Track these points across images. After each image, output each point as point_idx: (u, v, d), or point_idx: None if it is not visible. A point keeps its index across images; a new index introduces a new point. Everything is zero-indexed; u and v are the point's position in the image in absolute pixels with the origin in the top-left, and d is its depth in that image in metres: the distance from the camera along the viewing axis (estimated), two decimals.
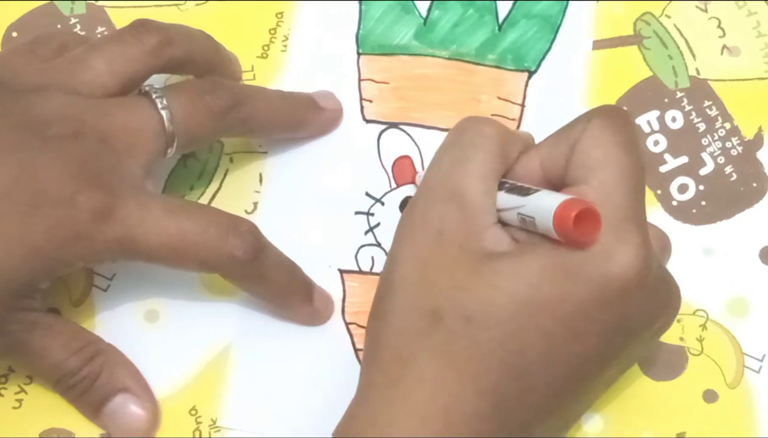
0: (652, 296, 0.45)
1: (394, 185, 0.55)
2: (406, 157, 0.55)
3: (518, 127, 0.56)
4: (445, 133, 0.55)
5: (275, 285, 0.51)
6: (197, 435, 0.51)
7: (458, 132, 0.47)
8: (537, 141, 0.50)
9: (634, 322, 0.44)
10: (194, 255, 0.48)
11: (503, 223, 0.45)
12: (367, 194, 0.55)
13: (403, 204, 0.54)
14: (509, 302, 0.43)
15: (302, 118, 0.55)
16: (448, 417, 0.42)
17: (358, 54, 0.57)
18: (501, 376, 0.43)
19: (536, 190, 0.44)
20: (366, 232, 0.54)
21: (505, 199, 0.45)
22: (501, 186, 0.46)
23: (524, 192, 0.44)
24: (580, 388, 0.45)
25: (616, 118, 0.45)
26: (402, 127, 0.56)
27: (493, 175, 0.46)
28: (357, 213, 0.54)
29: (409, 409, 0.43)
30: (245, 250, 0.48)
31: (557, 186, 0.45)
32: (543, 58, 0.57)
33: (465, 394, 0.43)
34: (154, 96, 0.50)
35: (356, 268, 0.54)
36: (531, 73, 0.57)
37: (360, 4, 0.58)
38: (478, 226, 0.44)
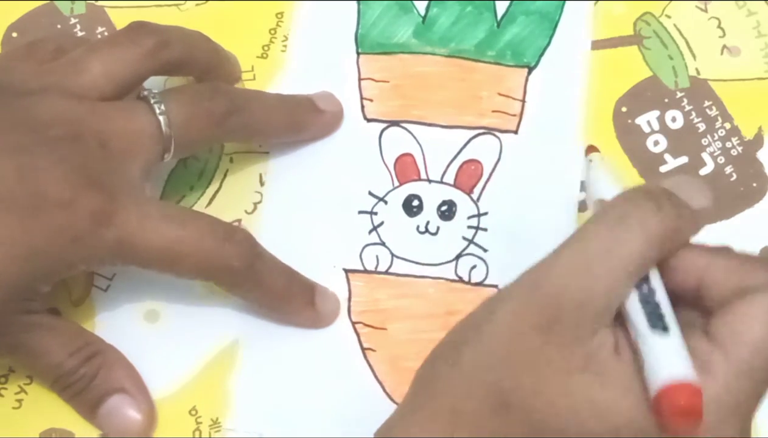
0: None
1: (396, 183, 0.55)
2: (408, 154, 0.55)
3: (519, 122, 0.56)
4: (446, 131, 0.55)
5: (272, 292, 0.51)
6: (197, 435, 0.51)
7: (620, 213, 0.41)
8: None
9: None
10: (191, 263, 0.48)
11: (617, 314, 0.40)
12: (370, 193, 0.55)
13: (407, 202, 0.55)
14: (578, 431, 0.39)
15: (302, 122, 0.55)
16: None
17: (358, 53, 0.57)
18: None
19: (666, 329, 0.39)
20: (370, 231, 0.54)
21: (633, 308, 0.40)
22: (640, 285, 0.40)
23: (654, 321, 0.39)
24: None
25: None
26: (403, 125, 0.56)
27: (636, 277, 0.40)
28: (360, 212, 0.54)
29: None
30: (240, 258, 0.49)
31: (707, 306, 0.40)
32: (542, 53, 0.57)
33: None
34: (152, 101, 0.50)
35: (361, 268, 0.53)
36: (531, 69, 0.57)
37: (358, 4, 0.58)
38: (591, 329, 0.39)
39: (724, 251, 0.41)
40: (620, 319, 0.40)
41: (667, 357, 0.38)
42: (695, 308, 0.41)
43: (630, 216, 0.40)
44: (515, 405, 0.40)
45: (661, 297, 0.40)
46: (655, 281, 0.41)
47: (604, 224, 0.40)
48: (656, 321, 0.39)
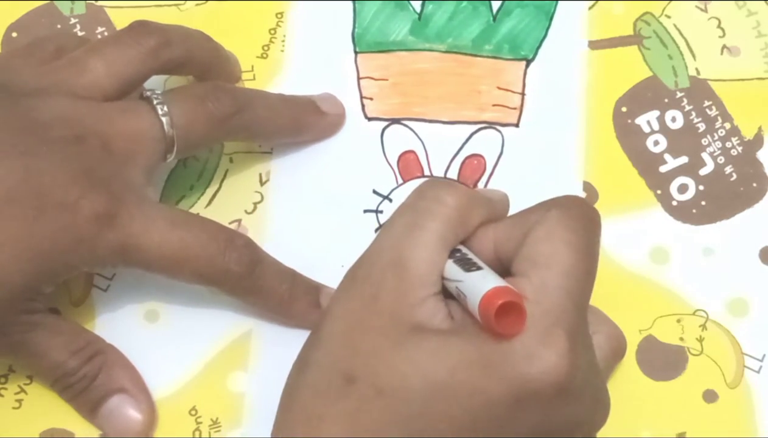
0: (573, 407, 0.42)
1: (400, 181, 0.55)
2: (411, 151, 0.55)
3: (520, 115, 0.56)
4: (448, 126, 0.56)
5: (275, 295, 0.51)
6: (197, 435, 0.51)
7: (417, 196, 0.46)
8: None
9: (548, 430, 0.42)
10: (193, 268, 0.48)
11: (447, 293, 0.44)
12: (375, 192, 0.55)
13: None
14: (421, 381, 0.41)
15: (304, 124, 0.55)
16: None
17: (355, 52, 0.57)
18: None
19: (479, 268, 0.43)
20: (376, 230, 0.54)
21: (451, 269, 0.44)
22: (453, 253, 0.44)
23: (468, 267, 0.43)
24: None
25: (575, 214, 0.44)
26: (404, 122, 0.56)
27: (445, 244, 0.44)
28: (366, 211, 0.55)
29: None
30: (240, 263, 0.49)
31: (507, 269, 0.44)
32: (539, 45, 0.57)
33: None
34: (155, 102, 0.50)
35: None
36: (529, 62, 0.57)
37: (354, 4, 0.58)
38: (415, 297, 0.43)
39: (511, 216, 0.46)
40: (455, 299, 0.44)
41: (484, 279, 0.42)
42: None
43: (426, 193, 0.45)
44: (360, 375, 0.42)
45: (472, 255, 0.45)
46: (465, 249, 0.45)
47: (404, 207, 0.45)
48: (470, 265, 0.43)
